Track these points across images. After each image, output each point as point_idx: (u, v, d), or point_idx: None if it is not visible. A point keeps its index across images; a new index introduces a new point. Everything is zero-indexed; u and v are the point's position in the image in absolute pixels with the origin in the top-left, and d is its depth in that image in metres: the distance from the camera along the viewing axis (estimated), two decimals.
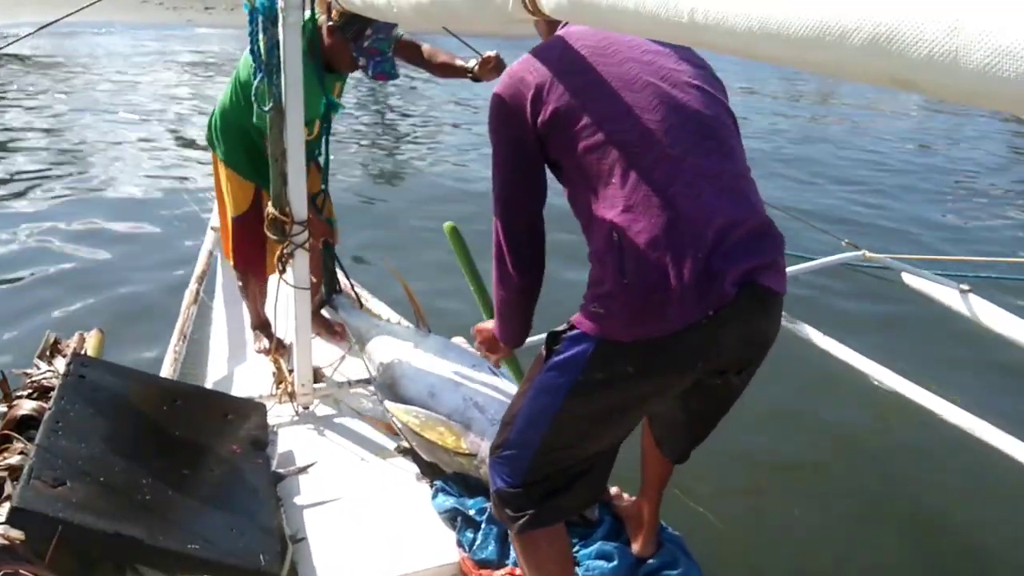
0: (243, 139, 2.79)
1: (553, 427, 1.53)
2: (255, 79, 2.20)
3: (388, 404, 2.49)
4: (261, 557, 1.82)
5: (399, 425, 2.47)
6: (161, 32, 17.87)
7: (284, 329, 2.68)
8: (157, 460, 2.01)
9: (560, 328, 1.52)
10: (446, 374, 2.48)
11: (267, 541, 1.89)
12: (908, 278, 3.69)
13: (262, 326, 3.21)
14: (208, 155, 3.16)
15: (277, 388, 2.68)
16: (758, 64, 0.78)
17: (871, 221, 6.85)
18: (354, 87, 11.72)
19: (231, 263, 3.15)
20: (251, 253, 3.00)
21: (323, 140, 2.73)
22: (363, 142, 9.23)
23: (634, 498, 2.06)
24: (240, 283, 3.22)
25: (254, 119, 2.45)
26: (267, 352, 2.97)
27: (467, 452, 2.24)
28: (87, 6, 2.87)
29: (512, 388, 2.44)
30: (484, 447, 2.17)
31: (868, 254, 3.77)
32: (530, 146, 1.52)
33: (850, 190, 8.04)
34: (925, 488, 3.11)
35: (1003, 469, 2.74)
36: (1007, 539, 2.87)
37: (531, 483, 1.60)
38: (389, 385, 2.55)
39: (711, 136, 1.43)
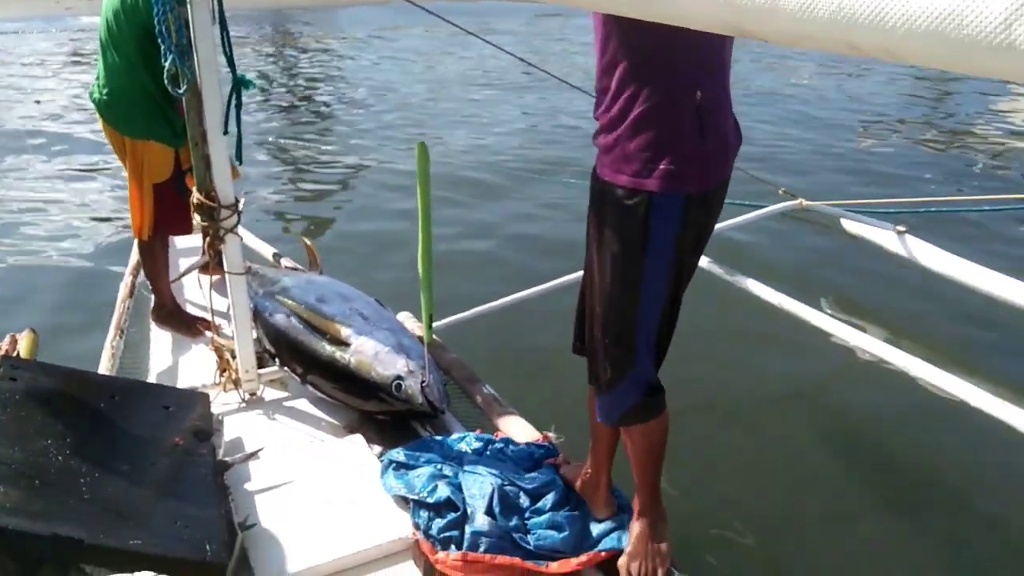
0: (154, 106, 2.71)
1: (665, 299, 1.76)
2: (165, 61, 2.12)
3: (279, 297, 2.79)
4: (207, 547, 1.79)
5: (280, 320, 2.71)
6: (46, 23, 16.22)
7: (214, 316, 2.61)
8: (96, 458, 1.96)
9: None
10: (334, 291, 2.83)
11: (213, 531, 1.86)
12: (846, 223, 3.77)
13: (174, 310, 3.09)
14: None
15: (221, 376, 2.64)
16: None
17: (797, 166, 6.91)
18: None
19: (143, 236, 2.97)
20: (176, 214, 2.92)
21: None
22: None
23: (579, 463, 2.09)
24: (144, 260, 3.09)
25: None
26: (190, 332, 3.05)
27: (344, 341, 2.56)
28: None
29: (393, 318, 2.83)
30: (360, 343, 2.53)
31: (804, 202, 3.83)
32: None
33: (774, 136, 8.06)
34: (871, 426, 3.19)
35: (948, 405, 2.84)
36: (944, 464, 2.98)
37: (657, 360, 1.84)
38: (277, 293, 2.83)
39: (727, 63, 1.77)
